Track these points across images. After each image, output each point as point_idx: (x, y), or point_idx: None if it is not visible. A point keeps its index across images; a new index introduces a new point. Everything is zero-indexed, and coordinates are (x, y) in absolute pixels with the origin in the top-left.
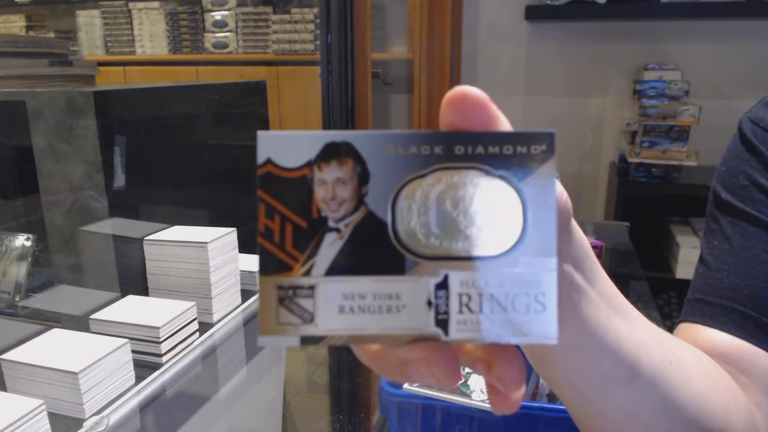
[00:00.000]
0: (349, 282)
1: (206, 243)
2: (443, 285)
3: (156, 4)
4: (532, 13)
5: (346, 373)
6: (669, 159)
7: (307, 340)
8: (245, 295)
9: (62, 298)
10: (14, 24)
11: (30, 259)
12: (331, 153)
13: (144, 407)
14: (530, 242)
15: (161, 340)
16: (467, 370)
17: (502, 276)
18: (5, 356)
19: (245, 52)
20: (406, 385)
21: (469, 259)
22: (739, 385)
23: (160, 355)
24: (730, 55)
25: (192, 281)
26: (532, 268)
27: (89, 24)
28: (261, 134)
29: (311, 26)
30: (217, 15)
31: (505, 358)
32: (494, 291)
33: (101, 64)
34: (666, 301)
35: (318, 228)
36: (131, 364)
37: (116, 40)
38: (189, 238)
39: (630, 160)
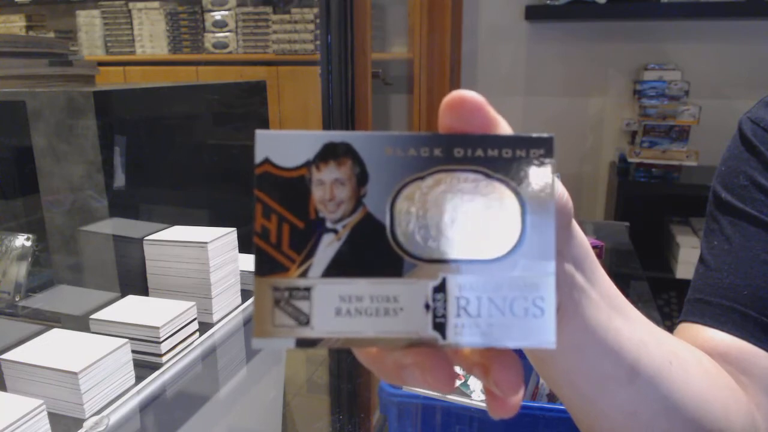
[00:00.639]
0: (346, 284)
1: (206, 243)
2: (441, 288)
3: (156, 4)
4: (532, 13)
5: (346, 373)
6: (669, 159)
7: (302, 343)
8: (245, 295)
9: (62, 298)
10: (14, 24)
11: (30, 259)
12: (329, 153)
13: (144, 407)
14: (529, 246)
15: (161, 340)
16: None
17: (500, 280)
18: (5, 356)
19: (245, 52)
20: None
21: (468, 262)
22: (739, 385)
23: (160, 355)
24: (730, 55)
25: (192, 281)
26: (530, 272)
27: (89, 24)
28: (259, 133)
29: (311, 26)
30: (217, 15)
31: (502, 363)
32: (492, 295)
33: (101, 64)
34: (666, 301)
35: (315, 229)
36: (131, 364)
37: (116, 40)
38: (189, 238)
39: (630, 160)
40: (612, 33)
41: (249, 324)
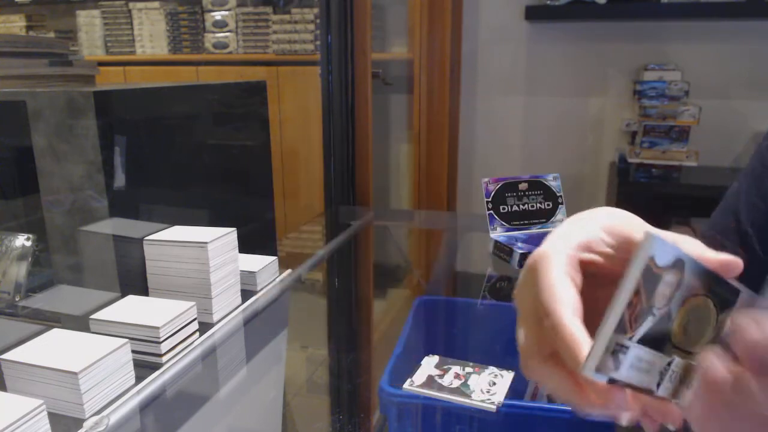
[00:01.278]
0: (642, 350)
1: (206, 243)
2: (669, 366)
3: (156, 4)
4: (532, 13)
5: (346, 373)
6: (669, 159)
7: (609, 380)
8: (245, 295)
9: (62, 298)
10: (14, 24)
11: (30, 259)
12: (677, 264)
13: (144, 407)
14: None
15: (161, 340)
16: (467, 370)
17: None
18: (5, 356)
19: (245, 52)
20: (406, 385)
21: (688, 353)
22: None
23: (160, 355)
24: (730, 55)
25: (192, 281)
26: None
27: (89, 24)
28: (651, 235)
29: (311, 26)
30: (217, 15)
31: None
32: (677, 372)
33: (101, 64)
34: None
35: (649, 310)
36: (131, 364)
37: (116, 40)
38: (189, 238)
39: (630, 160)
40: (612, 33)
41: (249, 324)
